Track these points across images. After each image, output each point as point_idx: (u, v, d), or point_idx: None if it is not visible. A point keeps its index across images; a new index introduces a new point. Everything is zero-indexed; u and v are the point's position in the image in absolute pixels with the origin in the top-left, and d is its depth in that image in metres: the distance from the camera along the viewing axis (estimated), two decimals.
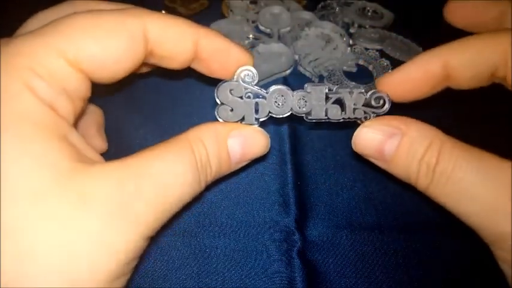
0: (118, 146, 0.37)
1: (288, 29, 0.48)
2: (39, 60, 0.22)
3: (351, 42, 0.48)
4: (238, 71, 0.28)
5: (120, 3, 0.28)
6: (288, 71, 0.44)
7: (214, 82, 0.28)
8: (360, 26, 0.50)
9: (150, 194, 0.22)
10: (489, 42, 0.26)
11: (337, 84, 0.43)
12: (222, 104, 0.28)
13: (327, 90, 0.27)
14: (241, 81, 0.28)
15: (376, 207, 0.36)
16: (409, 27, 0.49)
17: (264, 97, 0.28)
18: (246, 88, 0.28)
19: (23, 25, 0.27)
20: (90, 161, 0.23)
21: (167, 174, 0.23)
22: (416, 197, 0.32)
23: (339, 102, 0.28)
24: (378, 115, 0.28)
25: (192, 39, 0.27)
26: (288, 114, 0.28)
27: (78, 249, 0.20)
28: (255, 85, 0.28)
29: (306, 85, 0.28)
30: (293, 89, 0.28)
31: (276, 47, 0.45)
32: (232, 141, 0.27)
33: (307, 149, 0.39)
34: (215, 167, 0.26)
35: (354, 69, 0.46)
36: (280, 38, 0.47)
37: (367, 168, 0.36)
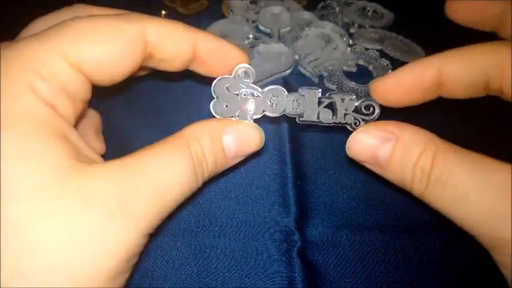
0: (118, 147, 0.37)
1: (288, 29, 0.48)
2: (42, 61, 0.22)
3: (351, 42, 0.48)
4: (236, 68, 0.28)
5: (121, 8, 0.28)
6: (288, 71, 0.44)
7: (212, 83, 0.28)
8: (360, 26, 0.50)
9: (148, 191, 0.22)
10: (484, 53, 0.26)
11: (337, 84, 0.43)
12: (218, 98, 0.28)
13: (320, 95, 0.28)
14: (238, 78, 0.28)
15: (376, 207, 0.36)
16: (409, 27, 0.49)
17: (259, 95, 0.28)
18: (242, 85, 0.28)
19: (25, 29, 0.28)
20: (90, 160, 0.23)
21: (165, 172, 0.23)
22: (416, 197, 0.32)
23: (331, 106, 0.28)
24: (367, 121, 0.28)
25: (189, 42, 0.27)
26: (281, 114, 0.29)
27: (79, 246, 0.20)
28: (251, 83, 0.28)
29: (299, 88, 0.28)
30: (293, 89, 0.29)
31: (276, 47, 0.45)
32: (227, 137, 0.27)
33: (307, 149, 0.39)
34: (211, 163, 0.26)
35: (354, 69, 0.46)
36: (280, 38, 0.47)
37: (367, 169, 0.36)
